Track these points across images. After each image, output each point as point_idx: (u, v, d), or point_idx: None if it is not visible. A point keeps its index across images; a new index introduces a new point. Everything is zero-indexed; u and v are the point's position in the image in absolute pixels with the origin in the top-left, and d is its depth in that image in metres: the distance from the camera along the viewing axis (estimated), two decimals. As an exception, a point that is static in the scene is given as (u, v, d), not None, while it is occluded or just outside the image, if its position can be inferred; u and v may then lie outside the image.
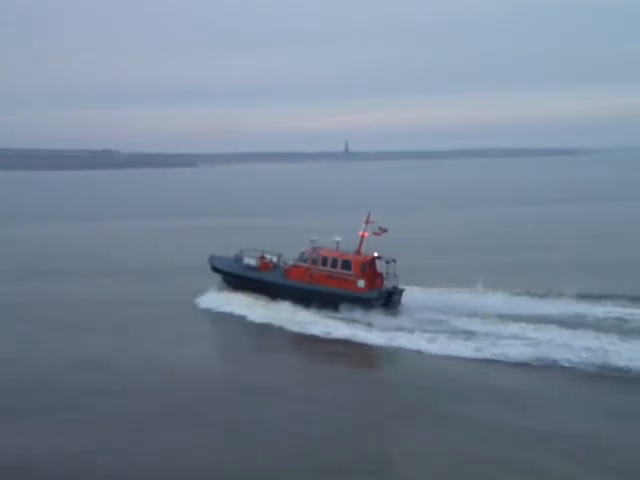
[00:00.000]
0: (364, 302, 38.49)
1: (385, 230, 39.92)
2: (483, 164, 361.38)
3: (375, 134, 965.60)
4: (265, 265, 43.06)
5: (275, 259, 43.40)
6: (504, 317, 36.55)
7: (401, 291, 39.77)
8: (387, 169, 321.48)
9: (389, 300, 39.03)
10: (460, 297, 40.30)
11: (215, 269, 44.83)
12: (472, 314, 37.21)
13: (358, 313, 38.06)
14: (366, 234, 40.42)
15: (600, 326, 34.69)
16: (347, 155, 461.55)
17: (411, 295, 40.20)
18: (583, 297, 39.36)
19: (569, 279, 41.57)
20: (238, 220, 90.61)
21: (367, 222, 40.32)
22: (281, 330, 36.75)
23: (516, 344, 32.27)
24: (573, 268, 51.05)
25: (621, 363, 29.81)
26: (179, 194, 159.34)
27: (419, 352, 32.74)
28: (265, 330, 37.02)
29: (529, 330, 34.41)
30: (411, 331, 35.20)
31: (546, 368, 29.98)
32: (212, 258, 45.61)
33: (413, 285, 41.27)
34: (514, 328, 34.74)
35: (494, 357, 31.39)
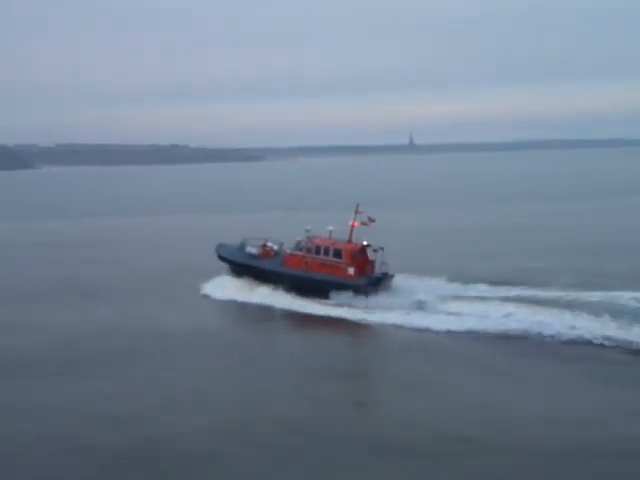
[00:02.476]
0: (354, 288, 40.58)
1: (373, 220, 41.88)
2: (547, 156, 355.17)
3: (438, 126, 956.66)
4: (266, 253, 45.42)
5: (276, 247, 45.74)
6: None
7: (391, 277, 41.54)
8: (452, 162, 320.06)
9: (378, 286, 40.89)
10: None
11: (220, 257, 47.42)
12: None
13: (347, 299, 40.27)
14: (356, 224, 42.45)
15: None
16: (412, 148, 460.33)
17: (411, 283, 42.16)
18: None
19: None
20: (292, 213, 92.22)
21: (356, 212, 42.37)
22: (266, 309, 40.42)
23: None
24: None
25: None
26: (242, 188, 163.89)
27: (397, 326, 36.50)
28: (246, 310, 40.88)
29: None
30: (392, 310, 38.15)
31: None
32: (219, 247, 48.16)
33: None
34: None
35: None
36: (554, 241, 61.90)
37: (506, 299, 38.64)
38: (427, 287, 41.12)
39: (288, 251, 44.41)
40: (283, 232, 49.67)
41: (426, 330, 35.27)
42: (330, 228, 43.20)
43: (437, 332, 34.88)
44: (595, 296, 38.30)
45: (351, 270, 41.34)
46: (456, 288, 41.55)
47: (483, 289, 41.37)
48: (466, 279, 42.91)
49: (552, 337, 32.99)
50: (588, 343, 32.10)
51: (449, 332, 34.67)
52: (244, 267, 45.46)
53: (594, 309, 35.39)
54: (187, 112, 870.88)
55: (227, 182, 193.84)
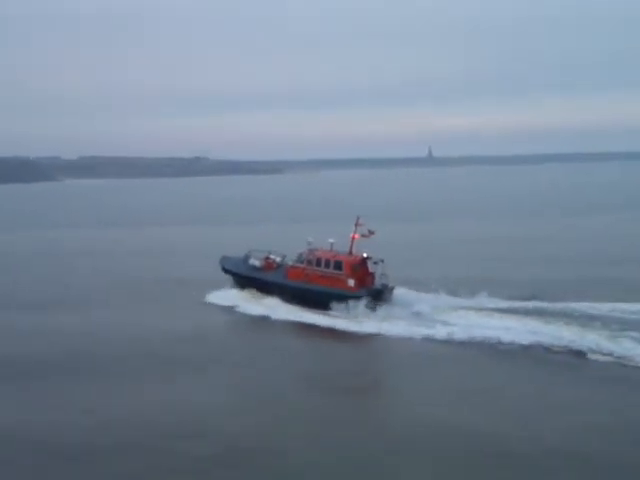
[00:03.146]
0: (354, 300, 40.96)
1: (373, 232, 42.47)
2: (573, 168, 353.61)
3: (457, 138, 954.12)
4: (269, 265, 46.07)
5: (279, 259, 46.35)
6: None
7: (391, 289, 41.96)
8: (471, 174, 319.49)
9: (378, 298, 41.28)
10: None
11: (224, 269, 48.11)
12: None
13: (348, 310, 40.73)
14: (356, 236, 43.02)
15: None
16: (430, 160, 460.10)
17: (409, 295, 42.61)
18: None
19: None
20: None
21: (357, 225, 42.96)
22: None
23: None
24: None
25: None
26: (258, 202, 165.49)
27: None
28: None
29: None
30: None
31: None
32: (223, 259, 48.88)
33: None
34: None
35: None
36: (567, 253, 62.39)
37: (510, 311, 39.20)
38: (428, 299, 41.61)
39: (290, 263, 45.00)
40: (288, 244, 50.35)
41: (429, 340, 35.71)
42: (331, 240, 43.74)
43: (441, 342, 35.31)
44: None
45: (351, 282, 41.86)
46: (457, 299, 41.90)
47: (480, 300, 41.67)
48: (466, 290, 43.20)
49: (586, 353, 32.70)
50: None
51: (453, 342, 35.17)
52: (247, 279, 46.13)
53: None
54: (208, 123, 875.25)
55: (239, 195, 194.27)
